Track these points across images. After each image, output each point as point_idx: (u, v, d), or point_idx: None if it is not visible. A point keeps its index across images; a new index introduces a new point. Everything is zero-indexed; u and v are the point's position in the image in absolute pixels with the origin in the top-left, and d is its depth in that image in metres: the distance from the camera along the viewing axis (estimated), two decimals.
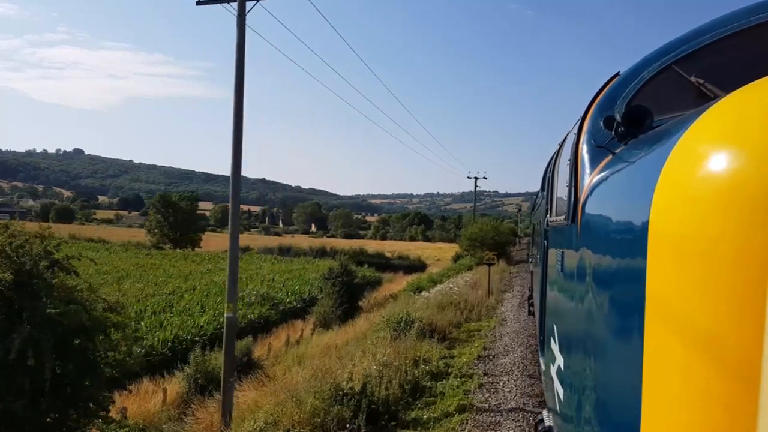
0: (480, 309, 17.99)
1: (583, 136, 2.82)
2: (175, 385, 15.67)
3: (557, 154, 4.91)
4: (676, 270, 1.16)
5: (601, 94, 2.91)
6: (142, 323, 21.36)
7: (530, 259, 17.52)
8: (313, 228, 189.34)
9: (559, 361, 3.13)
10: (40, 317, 7.28)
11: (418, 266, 61.56)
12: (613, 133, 2.33)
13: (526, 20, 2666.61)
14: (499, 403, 8.80)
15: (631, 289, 1.44)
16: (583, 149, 2.77)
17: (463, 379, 10.23)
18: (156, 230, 63.78)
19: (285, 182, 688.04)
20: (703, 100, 2.12)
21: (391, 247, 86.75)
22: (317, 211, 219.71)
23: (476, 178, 55.80)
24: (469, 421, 7.87)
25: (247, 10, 11.02)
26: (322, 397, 7.67)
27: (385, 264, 59.68)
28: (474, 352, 12.40)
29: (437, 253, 76.29)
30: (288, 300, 29.33)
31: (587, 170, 2.62)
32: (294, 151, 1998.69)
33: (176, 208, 62.54)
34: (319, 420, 7.34)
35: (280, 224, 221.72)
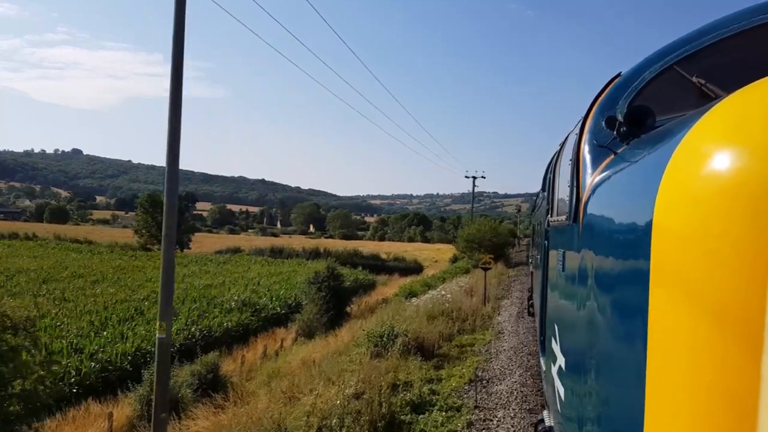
0: (474, 319, 16.26)
1: (585, 136, 2.82)
2: (126, 407, 13.74)
3: (558, 154, 4.84)
4: (679, 270, 1.17)
5: (603, 95, 2.92)
6: (105, 332, 19.47)
7: (530, 260, 17.09)
8: (312, 229, 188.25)
9: (560, 361, 3.09)
10: None
11: (415, 268, 59.77)
12: (615, 133, 2.34)
13: (526, 20, 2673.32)
14: None
15: (633, 288, 1.45)
16: (585, 149, 2.76)
17: (449, 413, 8.37)
18: (144, 231, 61.57)
19: (285, 183, 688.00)
20: (705, 100, 2.12)
21: (388, 249, 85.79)
22: (316, 211, 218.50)
23: (474, 177, 53.73)
24: None
25: None
26: None
27: (380, 266, 58.00)
28: (465, 374, 10.56)
29: (435, 254, 75.06)
30: (271, 306, 27.36)
31: (589, 170, 2.62)
32: (294, 151, 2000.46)
33: None
34: None
35: (278, 225, 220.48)
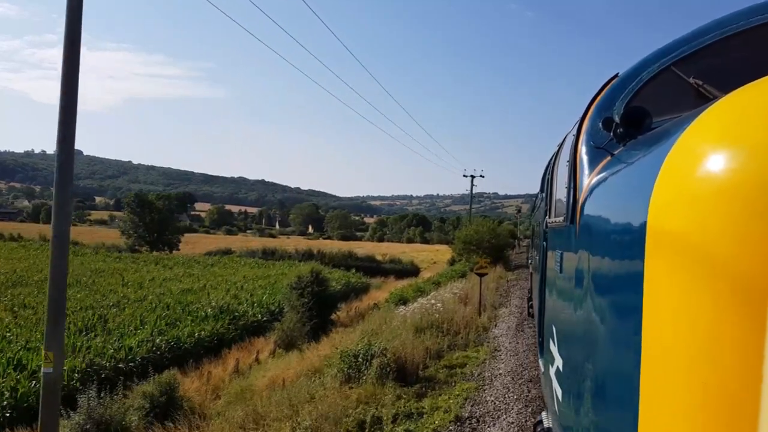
0: (468, 332, 14.32)
1: (582, 137, 2.81)
2: None
3: (556, 155, 4.70)
4: (674, 271, 1.15)
5: (600, 96, 2.90)
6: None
7: (530, 261, 16.61)
8: (310, 229, 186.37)
9: (558, 362, 3.07)
10: None
11: (411, 270, 57.59)
12: (611, 134, 2.34)
13: (526, 20, 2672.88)
14: None
15: (629, 289, 1.44)
16: (582, 150, 2.76)
17: None
18: (131, 231, 59.37)
19: (284, 183, 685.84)
20: (702, 101, 2.11)
21: (386, 250, 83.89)
22: (315, 212, 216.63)
23: (472, 177, 51.70)
24: None
25: None
26: None
27: (375, 268, 55.92)
28: (452, 408, 8.60)
29: (434, 255, 73.08)
30: (251, 313, 25.29)
31: (586, 171, 2.60)
32: (294, 152, 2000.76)
33: (152, 207, 57.91)
34: None
35: (277, 226, 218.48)
